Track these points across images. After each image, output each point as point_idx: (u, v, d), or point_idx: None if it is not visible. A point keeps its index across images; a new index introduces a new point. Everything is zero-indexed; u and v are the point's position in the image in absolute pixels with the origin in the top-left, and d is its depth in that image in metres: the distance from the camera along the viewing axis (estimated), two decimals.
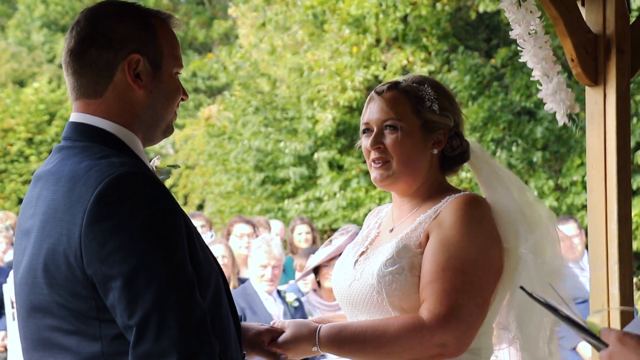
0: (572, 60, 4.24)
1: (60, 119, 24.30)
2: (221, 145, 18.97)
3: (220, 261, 7.94)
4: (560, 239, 3.34)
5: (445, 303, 3.04)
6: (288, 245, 10.93)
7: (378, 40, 16.39)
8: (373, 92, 3.36)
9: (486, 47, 16.61)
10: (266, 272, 7.72)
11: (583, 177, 13.93)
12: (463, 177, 13.90)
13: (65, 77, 2.68)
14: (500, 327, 3.31)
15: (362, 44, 16.06)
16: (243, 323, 3.13)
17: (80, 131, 2.62)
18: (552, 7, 4.14)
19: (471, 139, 3.46)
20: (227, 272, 8.20)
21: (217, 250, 8.23)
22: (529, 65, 4.10)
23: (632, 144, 13.01)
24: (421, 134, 3.27)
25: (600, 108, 4.28)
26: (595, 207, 4.28)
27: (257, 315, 7.44)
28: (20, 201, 22.03)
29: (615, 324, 4.16)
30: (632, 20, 4.35)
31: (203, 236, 2.73)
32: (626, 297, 4.19)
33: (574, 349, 8.12)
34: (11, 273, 8.69)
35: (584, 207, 14.02)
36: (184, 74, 2.90)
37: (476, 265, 3.09)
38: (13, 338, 8.34)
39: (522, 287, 2.47)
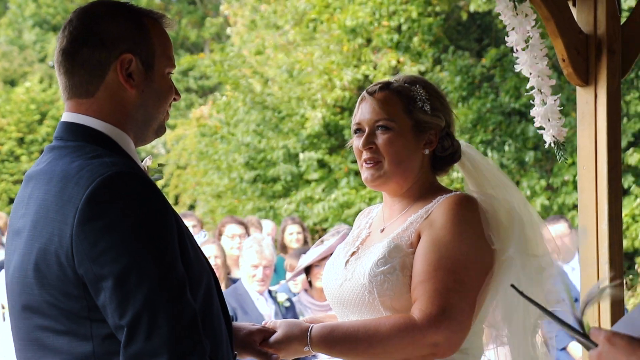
0: (564, 60, 4.25)
1: (51, 119, 24.28)
2: (213, 144, 18.96)
3: (212, 261, 7.95)
4: (549, 240, 3.35)
5: (436, 303, 3.05)
6: (279, 245, 10.92)
7: (369, 40, 16.41)
8: (365, 92, 3.36)
9: (478, 47, 16.63)
10: (257, 272, 7.72)
11: (574, 176, 13.96)
12: (454, 177, 13.91)
13: (57, 76, 2.68)
14: (488, 326, 3.32)
15: (354, 41, 16.08)
16: (234, 323, 3.13)
17: (72, 131, 2.62)
18: (544, 7, 4.14)
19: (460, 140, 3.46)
20: (219, 272, 8.19)
21: (210, 251, 8.23)
22: (525, 74, 4.10)
23: (623, 144, 13.06)
24: (413, 135, 3.27)
25: (591, 108, 4.29)
26: (586, 207, 4.29)
27: (249, 315, 7.43)
28: (11, 201, 22.00)
29: (606, 319, 4.17)
30: (623, 20, 4.36)
31: (195, 236, 2.74)
32: (617, 297, 4.19)
33: (564, 348, 8.14)
34: (1, 273, 8.67)
35: (575, 207, 14.05)
36: (175, 74, 2.88)
37: (467, 265, 3.09)
38: (3, 338, 8.31)
39: (512, 285, 2.48)
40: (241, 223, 9.89)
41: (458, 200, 3.18)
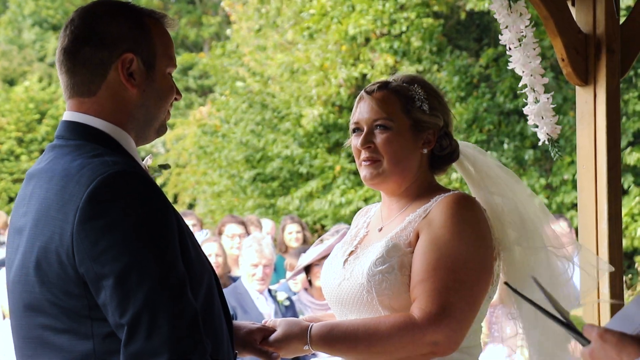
0: (563, 60, 4.25)
1: (50, 118, 24.29)
2: (213, 142, 18.95)
3: (212, 260, 7.96)
4: (555, 235, 3.35)
5: (436, 302, 3.05)
6: (278, 244, 10.93)
7: (367, 40, 16.41)
8: (363, 91, 3.37)
9: (477, 47, 16.63)
10: (257, 271, 7.72)
11: (573, 175, 13.96)
12: (453, 177, 13.92)
13: (58, 75, 2.69)
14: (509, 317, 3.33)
15: (353, 42, 16.09)
16: (234, 322, 3.13)
17: (73, 130, 2.63)
18: (543, 7, 4.15)
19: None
20: (219, 270, 8.20)
21: (210, 249, 8.23)
22: (518, 72, 4.11)
23: (622, 143, 13.06)
24: (411, 134, 3.28)
25: (591, 108, 4.29)
26: (585, 206, 4.29)
27: (248, 315, 7.43)
28: (10, 200, 22.00)
29: (606, 318, 4.17)
30: (622, 20, 4.37)
31: (196, 235, 2.74)
32: (617, 296, 4.20)
33: None
34: (3, 271, 8.67)
35: (574, 205, 14.05)
36: (174, 73, 2.90)
37: (466, 264, 3.09)
38: (2, 337, 8.32)
39: (506, 283, 2.49)
40: (241, 222, 9.90)
41: (457, 199, 3.18)
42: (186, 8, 28.94)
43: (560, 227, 8.68)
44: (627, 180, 13.95)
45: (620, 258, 4.24)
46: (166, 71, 2.70)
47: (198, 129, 19.94)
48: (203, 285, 2.57)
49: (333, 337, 3.12)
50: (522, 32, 4.03)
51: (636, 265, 13.59)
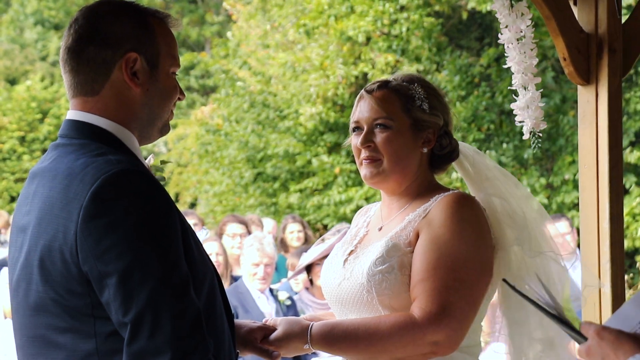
0: (565, 59, 4.25)
1: (52, 117, 24.30)
2: (215, 140, 18.96)
3: (213, 258, 7.95)
4: (553, 236, 3.36)
5: (436, 301, 3.05)
6: (279, 244, 10.93)
7: (369, 39, 16.41)
8: (363, 90, 3.37)
9: (478, 46, 16.62)
10: (258, 271, 7.72)
11: (574, 175, 13.96)
12: (454, 177, 13.92)
13: (62, 74, 2.70)
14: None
15: (352, 41, 16.09)
16: (235, 320, 3.14)
17: (77, 129, 2.63)
18: (545, 6, 4.14)
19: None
20: (220, 270, 8.20)
21: (211, 248, 8.23)
22: (513, 70, 4.11)
23: (624, 142, 13.06)
24: (411, 133, 3.28)
25: (593, 107, 4.29)
26: (587, 206, 4.29)
27: (250, 314, 7.44)
28: (12, 199, 22.01)
29: (606, 318, 4.17)
30: (624, 19, 4.36)
31: (197, 234, 2.75)
32: (618, 296, 4.20)
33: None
34: (3, 271, 8.67)
35: (575, 205, 14.05)
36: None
37: (466, 263, 3.10)
38: (3, 336, 8.32)
39: (504, 280, 2.50)
40: (242, 222, 9.89)
41: (456, 199, 3.18)
42: (188, 7, 28.95)
43: (556, 228, 8.66)
44: (629, 180, 13.94)
45: (621, 257, 4.24)
46: (170, 71, 2.71)
47: (200, 128, 19.95)
48: (205, 284, 2.58)
49: (333, 336, 3.12)
50: (522, 32, 4.03)
51: (637, 264, 13.58)
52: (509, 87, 4.23)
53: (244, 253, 7.92)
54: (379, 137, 3.27)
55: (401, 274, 3.14)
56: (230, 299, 7.29)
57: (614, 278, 4.19)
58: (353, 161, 15.18)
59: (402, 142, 3.26)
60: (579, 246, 4.53)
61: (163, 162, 3.05)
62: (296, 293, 8.23)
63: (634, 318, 2.22)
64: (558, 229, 8.65)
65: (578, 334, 2.23)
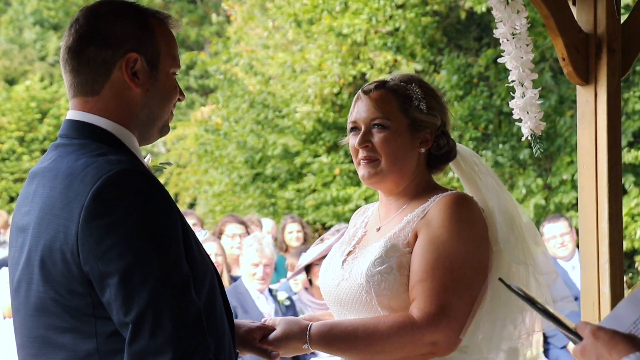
0: (563, 59, 4.25)
1: (51, 117, 24.29)
2: (215, 140, 18.96)
3: (213, 259, 7.94)
4: (551, 237, 3.36)
5: (435, 302, 3.05)
6: (278, 244, 10.93)
7: (366, 38, 16.41)
8: (360, 91, 3.38)
9: (477, 46, 16.62)
10: (258, 271, 7.73)
11: (573, 175, 13.96)
12: (454, 176, 13.92)
13: (62, 74, 2.70)
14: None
15: (350, 39, 16.09)
16: (234, 320, 3.14)
17: (77, 129, 2.64)
18: (543, 6, 4.15)
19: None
20: (219, 270, 8.20)
21: (210, 248, 8.24)
22: (508, 66, 4.11)
23: (623, 142, 13.07)
24: (409, 133, 3.28)
25: (591, 107, 4.29)
26: (586, 206, 4.29)
27: (249, 314, 7.44)
28: (11, 199, 22.00)
29: (606, 314, 4.17)
30: (623, 19, 4.36)
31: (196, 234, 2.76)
32: (617, 296, 4.20)
33: (565, 347, 8.14)
34: (3, 270, 8.66)
35: (573, 205, 14.05)
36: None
37: (465, 264, 3.10)
38: (3, 336, 8.32)
39: (500, 279, 2.50)
40: (241, 222, 9.90)
41: (455, 199, 3.19)
42: (187, 7, 28.94)
43: (552, 230, 8.68)
44: (628, 180, 13.94)
45: (620, 257, 4.24)
46: (170, 71, 2.71)
47: (199, 128, 19.95)
48: (206, 284, 2.58)
49: (332, 337, 3.12)
50: (517, 28, 4.02)
51: (636, 264, 13.59)
52: (506, 85, 4.23)
53: (243, 253, 7.93)
54: (377, 137, 3.27)
55: (400, 275, 3.14)
56: (230, 299, 7.28)
57: (613, 278, 4.19)
58: (352, 161, 15.17)
59: (400, 142, 3.27)
60: (578, 246, 4.53)
61: (162, 164, 3.04)
62: (295, 293, 8.23)
63: (628, 319, 2.24)
64: (556, 230, 8.68)
65: (573, 334, 2.24)
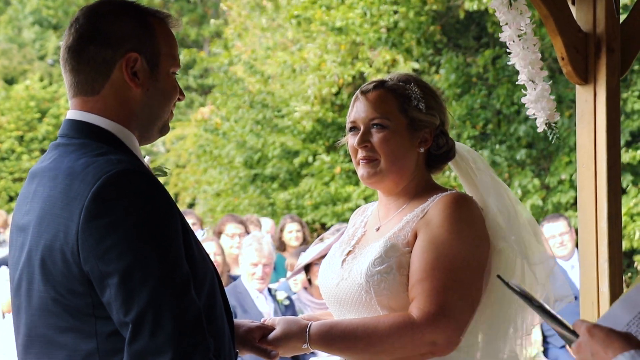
0: (563, 58, 4.25)
1: (51, 117, 24.29)
2: (214, 140, 18.96)
3: (212, 258, 7.95)
4: (546, 238, 3.36)
5: (435, 301, 3.05)
6: (278, 243, 10.93)
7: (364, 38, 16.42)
8: (359, 91, 3.38)
9: (476, 45, 16.62)
10: (257, 270, 7.72)
11: (571, 175, 13.96)
12: (449, 175, 13.91)
13: (62, 73, 2.70)
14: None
15: (348, 37, 16.09)
16: (234, 320, 3.14)
17: (77, 128, 2.64)
18: (543, 6, 4.15)
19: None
20: (219, 269, 8.20)
21: (209, 248, 8.23)
22: (517, 67, 4.11)
23: (622, 142, 13.06)
24: (408, 133, 3.28)
25: (591, 106, 4.29)
26: (585, 206, 4.29)
27: (248, 314, 7.44)
28: (10, 199, 22.00)
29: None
30: (622, 19, 4.37)
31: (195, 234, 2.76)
32: (616, 295, 4.20)
33: (564, 346, 8.14)
34: (3, 269, 8.67)
35: (571, 205, 14.05)
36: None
37: (465, 264, 3.10)
38: (2, 336, 8.32)
39: (499, 276, 2.51)
40: (241, 222, 9.90)
41: (454, 199, 3.19)
42: (187, 7, 28.95)
43: (551, 229, 8.69)
44: (626, 180, 13.94)
45: (620, 257, 4.25)
46: (170, 71, 2.71)
47: (198, 128, 19.95)
48: (206, 284, 2.58)
49: (332, 336, 3.12)
50: (522, 29, 4.03)
51: (635, 264, 13.59)
52: (516, 83, 4.23)
53: (242, 253, 7.93)
54: (376, 137, 3.27)
55: (400, 274, 3.14)
56: (229, 298, 7.29)
57: (612, 278, 4.20)
58: (351, 160, 15.16)
59: (399, 142, 3.27)
60: (577, 246, 4.53)
61: (158, 172, 3.02)
62: (294, 293, 8.23)
63: (623, 319, 2.25)
64: (555, 230, 8.68)
65: (570, 332, 2.25)
